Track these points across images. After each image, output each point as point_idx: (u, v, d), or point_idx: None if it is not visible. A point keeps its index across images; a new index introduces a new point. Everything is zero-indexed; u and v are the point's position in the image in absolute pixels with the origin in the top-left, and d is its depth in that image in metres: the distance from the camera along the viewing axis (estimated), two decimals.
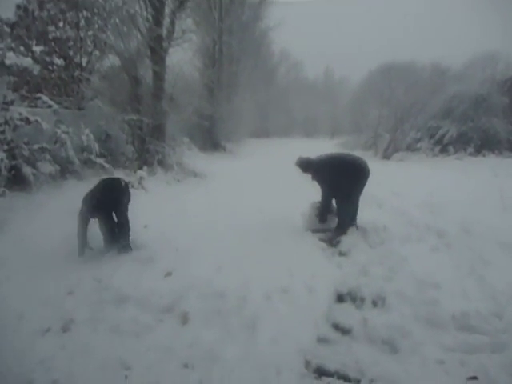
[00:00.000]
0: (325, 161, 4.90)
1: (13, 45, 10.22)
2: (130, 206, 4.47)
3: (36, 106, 8.07)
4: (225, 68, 19.55)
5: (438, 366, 2.29)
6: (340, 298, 3.17)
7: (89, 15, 10.78)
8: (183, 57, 11.84)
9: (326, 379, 2.27)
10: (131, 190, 4.60)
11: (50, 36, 10.49)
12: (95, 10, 10.71)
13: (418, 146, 18.69)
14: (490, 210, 5.73)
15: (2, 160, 5.80)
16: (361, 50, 68.67)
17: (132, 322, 2.77)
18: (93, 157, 7.78)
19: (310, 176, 4.97)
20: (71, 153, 7.20)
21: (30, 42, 10.55)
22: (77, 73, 10.87)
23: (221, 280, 3.34)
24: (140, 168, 8.60)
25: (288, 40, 36.37)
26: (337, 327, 2.75)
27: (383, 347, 2.51)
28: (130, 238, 4.41)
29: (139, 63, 9.48)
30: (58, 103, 8.54)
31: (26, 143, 6.38)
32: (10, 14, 10.12)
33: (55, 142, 6.98)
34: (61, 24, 10.67)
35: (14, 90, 10.19)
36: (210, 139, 18.85)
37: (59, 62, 11.06)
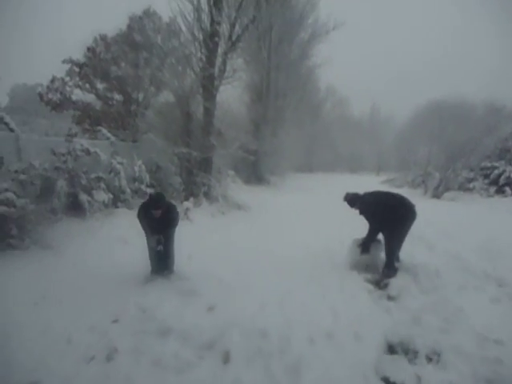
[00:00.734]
0: (372, 197, 4.89)
1: (80, 83, 11.23)
2: (176, 236, 4.55)
3: (96, 138, 8.68)
4: (271, 103, 20.02)
5: None
6: (391, 349, 2.95)
7: (148, 56, 11.65)
8: (232, 93, 12.35)
9: None
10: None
11: (112, 74, 11.40)
12: (154, 51, 11.57)
13: (471, 185, 17.76)
14: None
15: (62, 187, 6.22)
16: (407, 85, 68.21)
17: (173, 357, 2.74)
18: (143, 186, 8.12)
19: (357, 211, 4.95)
20: (124, 182, 7.57)
21: (95, 80, 11.52)
22: (133, 107, 11.68)
23: (263, 318, 3.26)
24: (186, 199, 8.84)
25: (335, 75, 36.92)
26: (387, 382, 2.54)
27: None
28: (174, 267, 4.48)
29: (191, 100, 9.97)
30: (115, 136, 9.13)
31: (85, 172, 6.80)
32: (79, 55, 11.17)
33: (110, 172, 7.39)
34: (122, 64, 11.59)
35: (78, 123, 11.14)
36: (255, 172, 19.12)
37: (118, 97, 11.95)
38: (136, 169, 8.12)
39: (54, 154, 6.44)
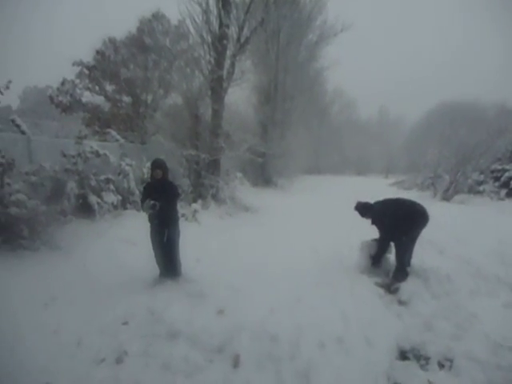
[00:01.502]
0: (384, 206, 4.83)
1: (90, 85, 11.34)
2: (183, 238, 4.53)
3: (105, 140, 8.74)
4: (279, 105, 20.03)
5: None
6: (402, 355, 2.91)
7: (157, 58, 11.74)
8: (240, 95, 12.38)
9: None
10: (186, 223, 4.66)
11: (122, 77, 11.50)
12: (163, 54, 11.66)
13: (481, 188, 17.53)
14: None
15: (72, 189, 6.27)
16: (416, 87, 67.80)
17: (183, 360, 2.74)
18: None
19: (369, 220, 4.91)
20: (132, 184, 7.61)
21: (104, 83, 11.63)
22: (142, 109, 11.75)
23: (273, 322, 3.23)
24: (194, 201, 8.86)
25: (343, 78, 36.84)
26: None
27: None
28: (182, 270, 4.48)
29: (200, 102, 10.02)
30: (124, 137, 9.19)
31: (94, 174, 6.84)
32: (89, 58, 11.28)
33: (119, 174, 7.43)
34: (131, 66, 11.69)
35: (88, 125, 11.24)
36: (262, 175, 19.11)
37: (127, 99, 12.04)
38: (145, 171, 8.16)
39: (64, 155, 6.49)
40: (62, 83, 11.17)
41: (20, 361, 2.70)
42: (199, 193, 9.62)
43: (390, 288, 4.40)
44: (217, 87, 9.84)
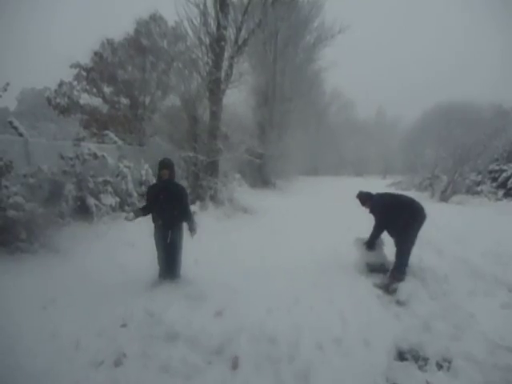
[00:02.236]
0: (383, 198, 5.04)
1: (87, 87, 11.32)
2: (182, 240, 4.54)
3: (103, 142, 8.73)
4: (277, 107, 20.07)
5: None
6: (400, 356, 2.92)
7: (154, 60, 11.73)
8: (238, 97, 12.40)
9: None
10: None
11: (119, 78, 11.48)
12: (160, 55, 11.65)
13: (479, 189, 17.65)
14: None
15: (70, 191, 6.26)
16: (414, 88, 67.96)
17: (181, 362, 2.73)
18: None
19: (367, 210, 5.08)
20: (131, 186, 7.61)
21: (102, 84, 11.61)
22: (140, 111, 11.74)
23: (272, 324, 3.24)
24: (193, 203, 8.86)
25: (340, 79, 36.96)
26: None
27: None
28: (181, 272, 4.47)
29: (198, 103, 10.02)
30: (122, 139, 9.19)
31: (92, 176, 6.84)
32: (87, 59, 11.27)
33: (117, 176, 7.43)
34: (129, 68, 11.68)
35: (85, 128, 11.23)
36: (261, 176, 19.13)
37: (125, 101, 12.03)
38: (143, 172, 8.16)
39: (62, 157, 6.49)
40: (60, 85, 11.13)
41: (19, 363, 2.70)
42: (197, 194, 9.62)
43: (389, 289, 4.42)
44: (215, 89, 9.85)
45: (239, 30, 10.37)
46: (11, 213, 4.87)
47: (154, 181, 6.96)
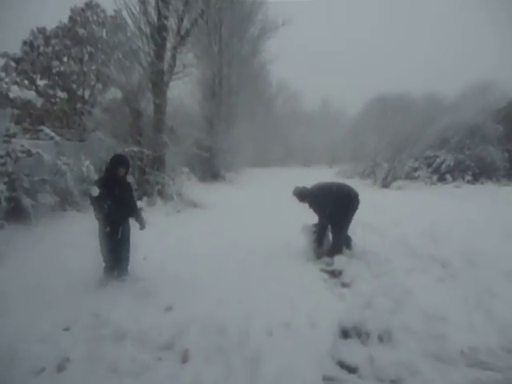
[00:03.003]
0: (319, 190, 5.17)
1: (17, 79, 10.50)
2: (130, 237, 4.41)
3: (38, 138, 8.16)
4: (224, 100, 19.99)
5: None
6: (345, 333, 3.06)
7: (93, 50, 11.16)
8: (183, 89, 12.15)
9: None
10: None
11: (54, 70, 10.82)
12: (99, 46, 11.09)
13: (416, 174, 18.85)
14: (493, 238, 5.67)
15: (1, 192, 5.80)
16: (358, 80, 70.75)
17: (130, 361, 2.65)
18: None
19: (307, 205, 5.24)
20: (71, 184, 7.22)
21: (35, 76, 10.85)
22: (79, 105, 11.13)
23: (222, 314, 3.26)
24: (139, 199, 8.58)
25: (286, 71, 37.47)
26: (342, 365, 2.64)
27: None
28: (129, 269, 4.35)
29: (140, 96, 9.70)
30: (60, 135, 8.65)
31: (27, 175, 6.39)
32: (16, 49, 10.43)
33: (55, 174, 7.00)
34: (65, 59, 11.01)
35: (17, 123, 10.38)
36: (210, 169, 19.01)
37: (62, 95, 11.35)
38: (84, 169, 7.75)
39: None
40: None
41: None
42: (144, 190, 9.35)
43: (335, 272, 4.61)
44: (158, 81, 9.57)
45: (181, 20, 10.13)
46: None
47: (97, 177, 6.67)
